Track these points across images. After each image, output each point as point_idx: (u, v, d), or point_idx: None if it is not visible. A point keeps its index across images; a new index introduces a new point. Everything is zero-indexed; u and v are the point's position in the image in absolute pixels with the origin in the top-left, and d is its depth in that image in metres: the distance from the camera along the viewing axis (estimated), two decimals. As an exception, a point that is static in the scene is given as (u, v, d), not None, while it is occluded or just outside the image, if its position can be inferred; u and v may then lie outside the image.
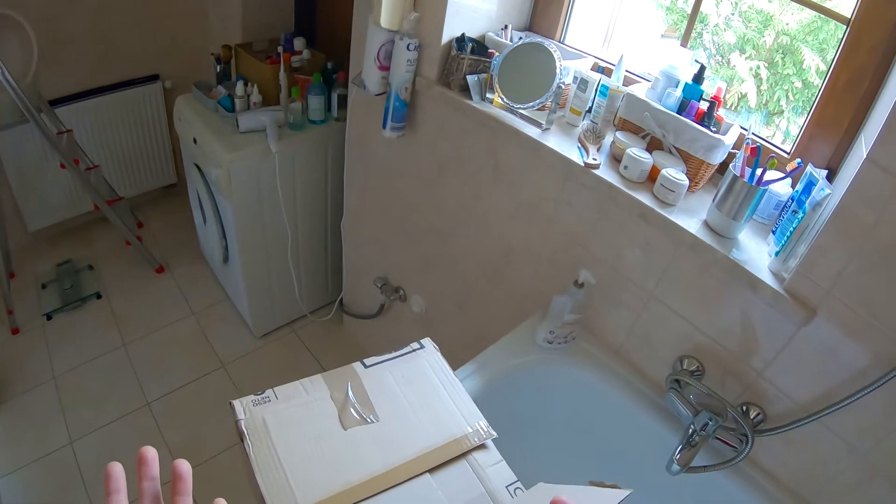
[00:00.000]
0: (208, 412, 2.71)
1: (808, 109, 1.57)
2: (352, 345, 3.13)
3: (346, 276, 2.96)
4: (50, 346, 2.91)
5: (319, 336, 3.19)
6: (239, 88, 2.50)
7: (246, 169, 2.43)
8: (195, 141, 2.57)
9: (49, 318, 3.03)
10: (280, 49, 2.62)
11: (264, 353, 3.04)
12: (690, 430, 1.54)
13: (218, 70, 2.76)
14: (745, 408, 1.57)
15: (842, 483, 1.48)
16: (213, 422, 2.67)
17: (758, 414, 1.55)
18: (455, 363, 1.65)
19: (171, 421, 2.67)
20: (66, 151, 2.83)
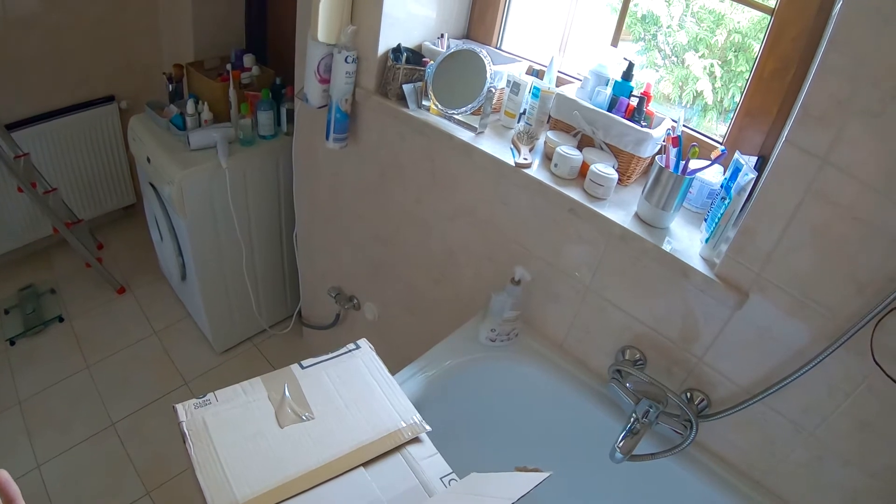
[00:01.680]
0: (173, 430, 2.67)
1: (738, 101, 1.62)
2: (312, 356, 3.10)
3: (303, 288, 2.97)
4: (14, 370, 2.90)
5: (280, 349, 3.21)
6: (189, 106, 2.52)
7: (198, 185, 2.45)
8: (148, 160, 2.58)
9: (12, 343, 3.01)
10: (229, 66, 2.65)
11: (226, 369, 3.05)
12: (632, 418, 1.58)
13: (170, 89, 2.79)
14: (689, 394, 1.60)
15: (793, 462, 1.52)
16: (178, 439, 2.65)
17: (702, 399, 1.59)
18: (405, 366, 1.69)
19: (136, 440, 2.67)
20: (24, 175, 2.84)
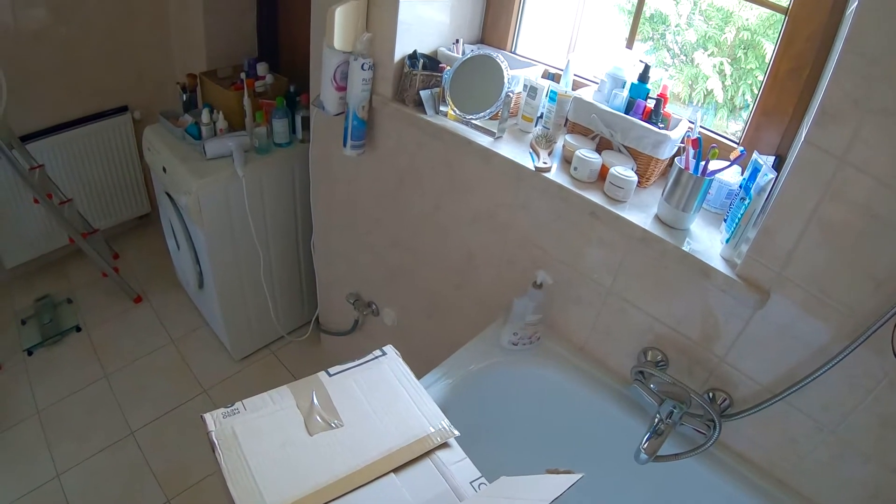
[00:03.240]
0: (192, 438, 2.72)
1: (755, 100, 1.62)
2: (330, 362, 3.05)
3: (320, 294, 2.98)
4: (32, 381, 2.91)
5: (298, 356, 3.20)
6: (205, 116, 2.53)
7: (215, 195, 2.46)
8: (164, 170, 2.60)
9: (30, 353, 3.02)
10: (243, 75, 2.66)
11: (244, 376, 3.06)
12: (656, 419, 1.58)
13: (184, 99, 2.80)
14: (711, 394, 1.60)
15: (814, 460, 1.52)
16: (198, 447, 2.67)
17: (725, 399, 1.58)
18: (429, 372, 1.70)
19: (155, 449, 2.68)
20: (39, 186, 2.85)
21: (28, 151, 2.93)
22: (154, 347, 3.16)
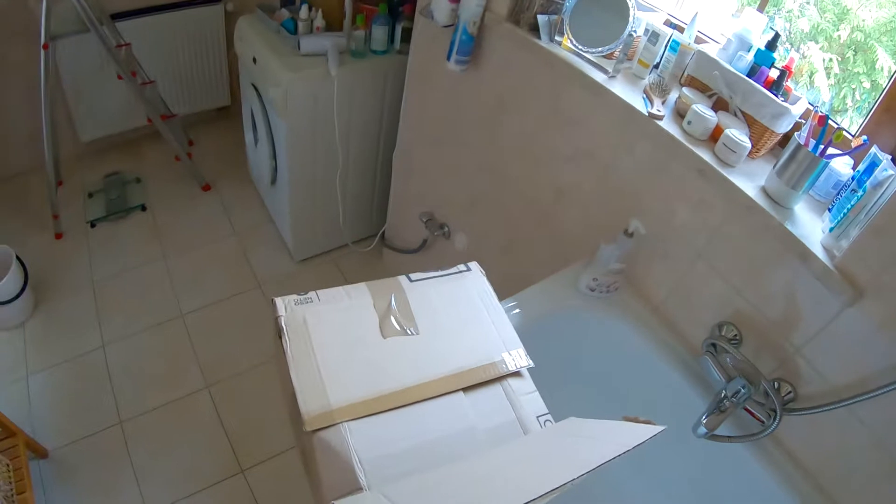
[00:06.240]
0: (240, 329, 2.76)
1: (879, 93, 1.52)
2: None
3: (392, 209, 2.95)
4: (91, 253, 2.97)
5: (357, 267, 3.19)
6: (303, 12, 2.50)
7: (304, 90, 2.43)
8: (255, 60, 2.58)
9: (93, 225, 3.08)
10: (347, -25, 2.60)
11: (301, 278, 3.07)
12: (721, 396, 1.53)
13: (282, -7, 2.76)
14: (777, 384, 1.54)
15: (863, 475, 1.45)
16: (244, 338, 2.72)
17: (789, 392, 1.53)
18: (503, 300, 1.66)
19: (202, 334, 2.72)
20: (125, 64, 2.87)
21: (117, 29, 2.95)
22: (216, 237, 3.19)
